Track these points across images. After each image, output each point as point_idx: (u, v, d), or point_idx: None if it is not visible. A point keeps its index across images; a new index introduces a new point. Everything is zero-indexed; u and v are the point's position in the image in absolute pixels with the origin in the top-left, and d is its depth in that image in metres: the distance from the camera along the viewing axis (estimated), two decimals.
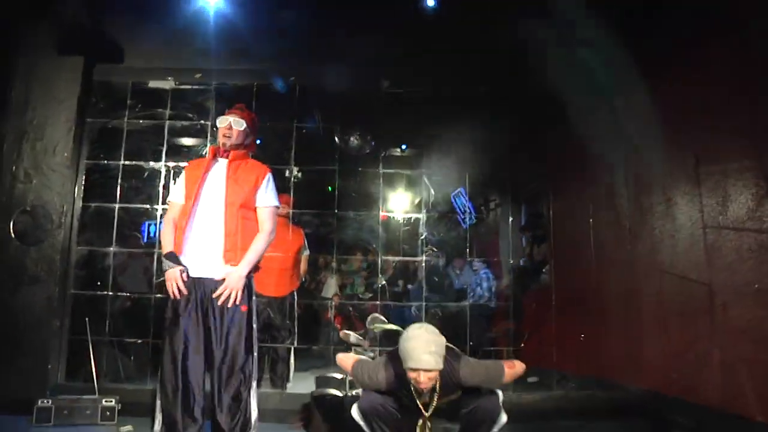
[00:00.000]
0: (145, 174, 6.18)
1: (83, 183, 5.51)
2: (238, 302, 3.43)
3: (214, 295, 3.40)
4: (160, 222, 6.23)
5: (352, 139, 6.74)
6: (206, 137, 6.00)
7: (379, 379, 3.35)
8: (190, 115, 5.83)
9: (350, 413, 3.41)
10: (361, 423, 3.36)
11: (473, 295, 7.61)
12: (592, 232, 5.88)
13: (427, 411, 3.32)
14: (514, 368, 3.41)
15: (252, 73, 5.79)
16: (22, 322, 5.00)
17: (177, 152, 6.76)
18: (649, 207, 5.15)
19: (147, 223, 7.95)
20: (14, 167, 5.26)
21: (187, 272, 3.43)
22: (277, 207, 3.69)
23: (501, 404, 3.37)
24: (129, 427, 3.83)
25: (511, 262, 7.51)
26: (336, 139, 6.65)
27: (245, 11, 5.36)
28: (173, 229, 3.53)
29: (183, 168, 3.76)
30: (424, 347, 3.12)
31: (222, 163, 3.60)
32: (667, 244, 4.89)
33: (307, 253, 6.11)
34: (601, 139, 5.76)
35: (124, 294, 5.74)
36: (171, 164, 5.66)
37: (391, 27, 5.39)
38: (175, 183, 3.81)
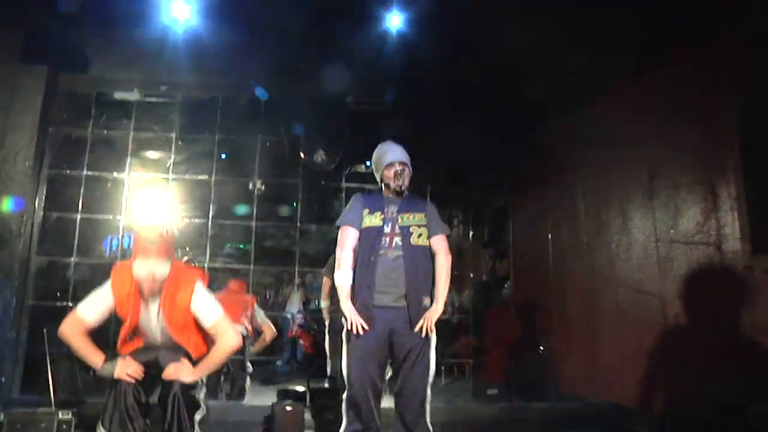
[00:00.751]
0: (108, 185, 6.13)
1: (45, 192, 5.46)
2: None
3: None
4: (124, 235, 6.20)
5: (316, 155, 6.79)
6: (170, 149, 5.99)
7: (355, 206, 3.61)
8: (155, 127, 5.83)
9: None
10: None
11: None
12: (551, 246, 6.05)
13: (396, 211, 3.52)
14: (448, 247, 3.54)
15: (218, 87, 5.83)
16: None
17: (141, 164, 6.74)
18: (606, 221, 5.32)
19: (110, 236, 7.88)
20: None
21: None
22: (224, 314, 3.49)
23: (429, 384, 3.46)
24: None
25: (472, 276, 7.62)
26: (301, 154, 6.70)
27: (212, 26, 5.38)
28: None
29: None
30: (392, 148, 3.61)
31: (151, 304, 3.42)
32: (623, 257, 5.06)
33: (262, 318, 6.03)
34: (560, 154, 5.94)
35: None
36: (135, 175, 5.65)
37: (356, 45, 5.47)
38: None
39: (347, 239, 3.54)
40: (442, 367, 7.70)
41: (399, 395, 3.46)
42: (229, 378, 5.82)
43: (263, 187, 6.18)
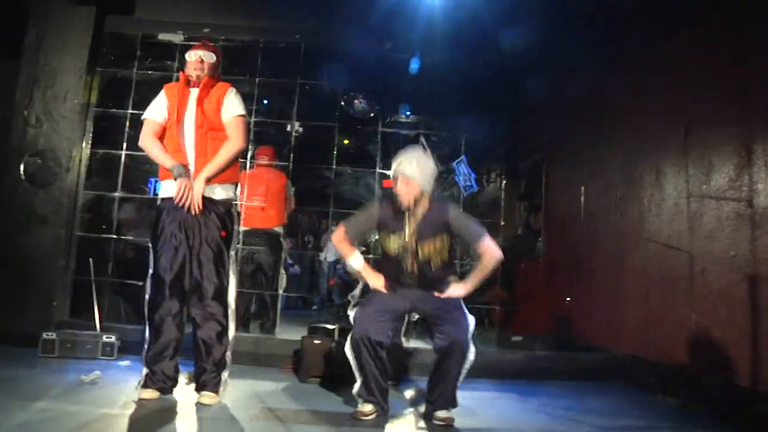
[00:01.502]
0: None
1: (92, 130, 5.68)
2: (199, 208, 3.54)
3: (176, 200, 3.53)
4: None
5: (356, 102, 6.86)
6: None
7: (372, 211, 3.61)
8: None
9: (343, 351, 3.60)
10: (350, 357, 3.53)
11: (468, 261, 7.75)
12: (583, 201, 6.02)
13: (413, 236, 3.49)
14: (493, 247, 3.49)
15: (259, 30, 5.91)
16: (30, 261, 5.22)
17: None
18: (639, 177, 5.26)
19: (153, 179, 8.12)
20: (26, 112, 5.43)
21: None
22: (242, 116, 3.75)
23: (470, 338, 3.50)
24: (97, 373, 4.02)
25: (503, 223, 7.62)
26: (342, 103, 6.77)
27: None
28: (162, 146, 3.67)
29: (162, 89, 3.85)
30: (407, 160, 3.42)
31: (193, 93, 3.73)
32: (654, 212, 5.02)
33: (291, 192, 6.20)
34: (594, 110, 5.87)
35: (128, 239, 5.96)
36: None
37: None
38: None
39: (347, 244, 3.64)
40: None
41: (441, 336, 3.47)
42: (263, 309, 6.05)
43: (301, 130, 6.30)
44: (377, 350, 3.47)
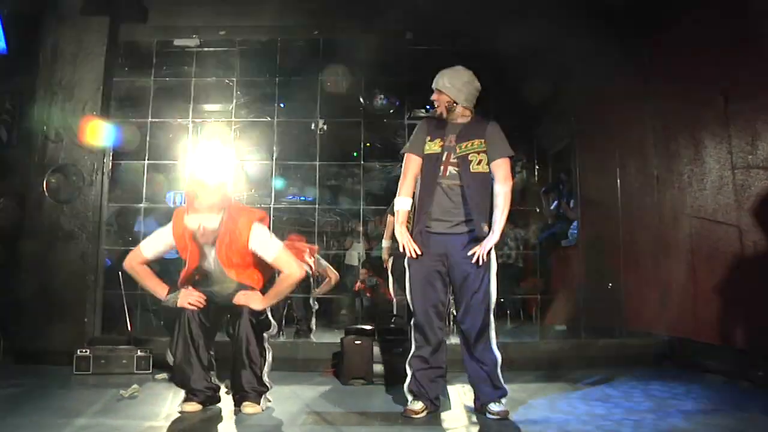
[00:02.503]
0: (171, 132, 6.25)
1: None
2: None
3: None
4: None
5: (377, 99, 6.74)
6: (232, 94, 6.04)
7: (418, 133, 3.63)
8: (216, 73, 5.88)
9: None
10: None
11: (502, 254, 7.64)
12: (619, 182, 5.84)
13: (452, 138, 3.52)
14: (508, 172, 3.49)
15: (275, 30, 5.80)
16: (59, 278, 5.15)
17: (204, 109, 6.82)
18: (677, 152, 5.08)
19: (172, 192, 8.12)
20: (45, 127, 5.36)
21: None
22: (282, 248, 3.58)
23: (491, 321, 3.46)
24: (135, 387, 3.94)
25: (538, 210, 7.50)
26: (361, 99, 6.66)
27: None
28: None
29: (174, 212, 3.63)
30: (440, 74, 3.61)
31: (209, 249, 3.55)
32: (696, 187, 4.84)
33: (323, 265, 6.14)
34: (626, 86, 5.70)
35: None
36: (198, 120, 5.72)
37: None
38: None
39: (408, 167, 3.61)
40: (508, 311, 7.69)
41: (462, 321, 3.51)
42: (297, 317, 5.97)
43: (325, 127, 6.20)
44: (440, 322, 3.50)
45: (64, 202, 5.25)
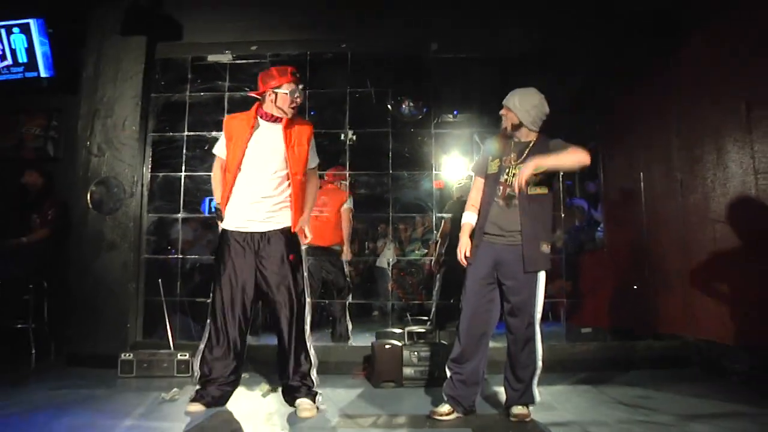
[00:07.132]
0: (207, 144, 6.46)
1: (150, 154, 5.85)
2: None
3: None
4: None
5: (404, 106, 6.86)
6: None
7: (483, 154, 3.90)
8: (248, 86, 6.05)
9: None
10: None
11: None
12: (643, 187, 5.88)
13: (514, 159, 3.64)
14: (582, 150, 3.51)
15: (305, 43, 5.99)
16: (103, 286, 5.40)
17: None
18: (700, 157, 5.11)
19: (207, 198, 8.33)
20: (88, 143, 5.62)
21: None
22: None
23: (537, 329, 3.58)
24: (176, 390, 4.11)
25: (563, 215, 7.54)
26: (389, 107, 6.79)
27: None
28: (222, 182, 3.83)
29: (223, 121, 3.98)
30: (511, 94, 3.69)
31: (271, 128, 3.81)
32: (719, 192, 4.87)
33: (347, 206, 6.19)
34: (650, 93, 5.74)
35: (193, 257, 6.09)
36: None
37: None
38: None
39: (474, 185, 3.86)
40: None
41: (508, 329, 3.62)
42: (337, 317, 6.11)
43: (354, 138, 6.36)
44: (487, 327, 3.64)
45: (107, 213, 5.50)
